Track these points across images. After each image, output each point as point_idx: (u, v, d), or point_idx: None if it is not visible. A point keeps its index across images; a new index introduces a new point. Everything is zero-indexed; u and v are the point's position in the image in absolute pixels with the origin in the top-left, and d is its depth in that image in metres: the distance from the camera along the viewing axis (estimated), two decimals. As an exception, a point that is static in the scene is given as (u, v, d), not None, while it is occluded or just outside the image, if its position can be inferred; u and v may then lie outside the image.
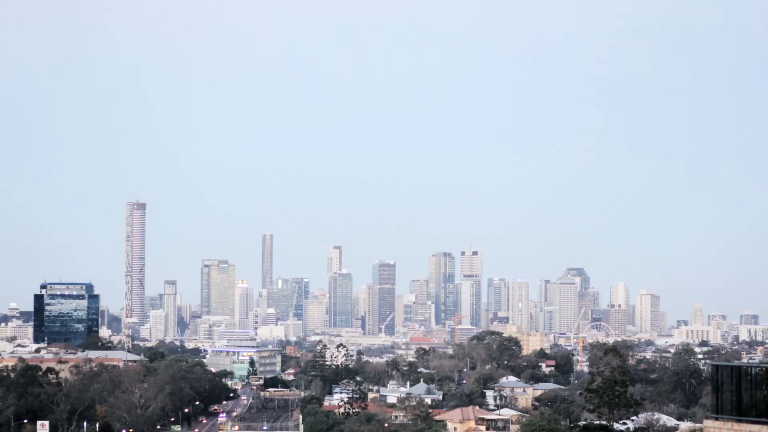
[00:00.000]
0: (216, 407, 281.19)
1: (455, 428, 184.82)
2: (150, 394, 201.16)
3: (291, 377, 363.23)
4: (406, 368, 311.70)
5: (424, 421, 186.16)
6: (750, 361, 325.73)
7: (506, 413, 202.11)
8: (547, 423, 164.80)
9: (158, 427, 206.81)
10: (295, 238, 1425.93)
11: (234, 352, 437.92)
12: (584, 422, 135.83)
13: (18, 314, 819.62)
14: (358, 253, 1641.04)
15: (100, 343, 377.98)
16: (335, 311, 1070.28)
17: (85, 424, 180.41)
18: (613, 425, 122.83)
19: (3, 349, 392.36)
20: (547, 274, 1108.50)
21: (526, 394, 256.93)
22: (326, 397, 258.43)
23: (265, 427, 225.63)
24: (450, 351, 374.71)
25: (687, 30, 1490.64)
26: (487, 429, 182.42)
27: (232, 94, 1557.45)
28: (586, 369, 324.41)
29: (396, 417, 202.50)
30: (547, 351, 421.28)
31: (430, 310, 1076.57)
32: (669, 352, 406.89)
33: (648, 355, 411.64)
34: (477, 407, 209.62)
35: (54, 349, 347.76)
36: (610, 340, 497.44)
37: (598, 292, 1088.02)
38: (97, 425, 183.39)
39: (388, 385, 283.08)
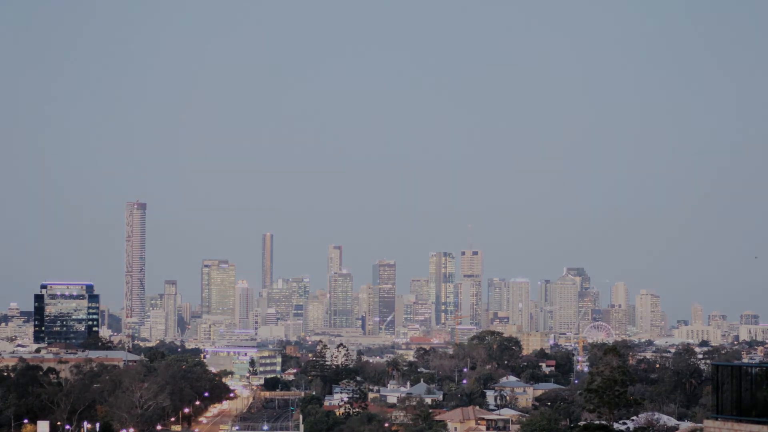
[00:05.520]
0: (216, 407, 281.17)
1: (455, 428, 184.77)
2: (150, 394, 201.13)
3: (291, 377, 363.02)
4: (406, 368, 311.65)
5: (425, 421, 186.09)
6: (750, 361, 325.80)
7: (506, 413, 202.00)
8: (547, 423, 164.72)
9: (158, 427, 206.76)
10: (295, 238, 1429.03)
11: (234, 352, 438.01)
12: (584, 422, 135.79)
13: (18, 314, 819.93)
14: (358, 253, 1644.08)
15: (100, 343, 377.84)
16: (335, 311, 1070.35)
17: (85, 424, 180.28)
18: (613, 425, 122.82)
19: (3, 349, 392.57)
20: (547, 274, 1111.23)
21: (527, 394, 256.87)
22: (326, 397, 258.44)
23: (265, 427, 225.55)
24: (450, 351, 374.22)
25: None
26: (488, 429, 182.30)
27: (231, 93, 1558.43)
28: (586, 369, 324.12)
29: (396, 417, 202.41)
30: (547, 351, 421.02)
31: (430, 310, 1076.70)
32: (669, 352, 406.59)
33: (648, 355, 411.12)
34: (477, 407, 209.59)
35: (54, 349, 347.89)
36: (611, 340, 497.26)
37: (598, 292, 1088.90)
38: (98, 425, 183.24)
39: (389, 385, 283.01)
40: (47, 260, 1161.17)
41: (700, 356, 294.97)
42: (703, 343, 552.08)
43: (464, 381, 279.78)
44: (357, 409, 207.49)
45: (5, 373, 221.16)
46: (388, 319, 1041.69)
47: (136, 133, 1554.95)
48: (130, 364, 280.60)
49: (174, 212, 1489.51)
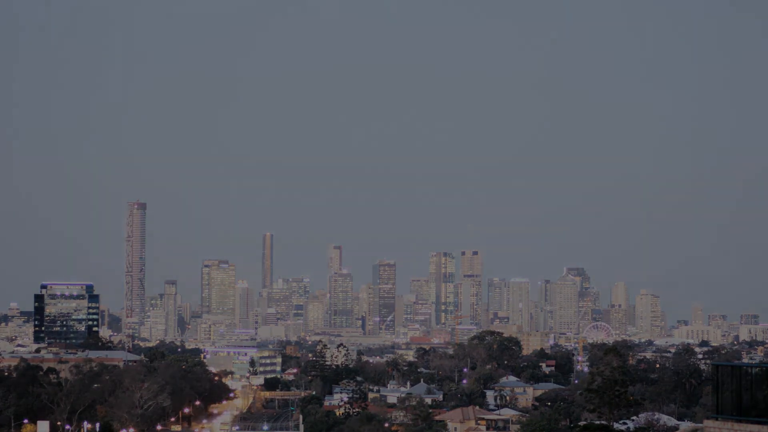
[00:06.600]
0: (216, 407, 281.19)
1: (455, 428, 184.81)
2: (150, 394, 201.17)
3: (291, 377, 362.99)
4: (406, 368, 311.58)
5: (425, 421, 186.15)
6: (750, 361, 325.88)
7: (506, 413, 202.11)
8: (547, 423, 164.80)
9: (158, 427, 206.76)
10: (295, 238, 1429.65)
11: (234, 352, 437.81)
12: (584, 422, 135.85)
13: (18, 314, 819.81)
14: (358, 253, 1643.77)
15: (100, 343, 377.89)
16: (335, 311, 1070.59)
17: (85, 424, 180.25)
18: (613, 425, 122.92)
19: (3, 349, 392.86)
20: (547, 274, 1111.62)
21: (527, 394, 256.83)
22: (326, 397, 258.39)
23: (265, 427, 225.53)
24: (450, 351, 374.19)
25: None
26: (488, 429, 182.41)
27: (231, 93, 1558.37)
28: (586, 369, 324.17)
29: (396, 417, 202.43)
30: (547, 351, 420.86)
31: (430, 310, 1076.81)
32: (669, 351, 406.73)
33: (648, 355, 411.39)
34: (477, 407, 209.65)
35: (54, 349, 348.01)
36: (611, 340, 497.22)
37: (598, 292, 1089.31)
38: (98, 425, 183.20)
39: (389, 385, 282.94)
40: (47, 260, 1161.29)
41: (700, 356, 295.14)
42: (703, 343, 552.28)
43: (464, 381, 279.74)
44: (357, 409, 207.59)
45: (5, 373, 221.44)
46: (388, 319, 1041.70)
47: (137, 133, 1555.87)
48: (130, 364, 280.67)
49: (174, 212, 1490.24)
